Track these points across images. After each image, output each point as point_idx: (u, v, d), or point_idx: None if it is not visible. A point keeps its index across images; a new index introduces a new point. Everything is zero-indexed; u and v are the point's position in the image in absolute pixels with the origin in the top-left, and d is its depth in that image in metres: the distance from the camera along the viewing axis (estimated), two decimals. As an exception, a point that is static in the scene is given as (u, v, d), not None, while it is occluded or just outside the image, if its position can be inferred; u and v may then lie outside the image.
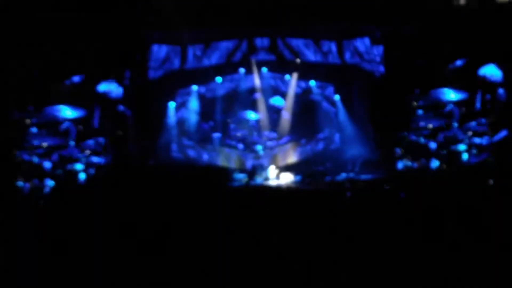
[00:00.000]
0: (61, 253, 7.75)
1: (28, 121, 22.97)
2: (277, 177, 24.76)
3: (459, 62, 24.60)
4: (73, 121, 23.52)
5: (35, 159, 22.56)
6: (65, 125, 23.58)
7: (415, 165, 24.09)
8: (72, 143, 23.54)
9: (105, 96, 22.35)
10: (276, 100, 26.48)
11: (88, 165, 23.56)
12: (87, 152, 23.37)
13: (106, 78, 21.33)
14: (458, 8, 24.02)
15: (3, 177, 22.21)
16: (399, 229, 7.98)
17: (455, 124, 24.80)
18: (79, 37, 23.17)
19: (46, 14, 21.47)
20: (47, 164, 22.89)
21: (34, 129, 22.87)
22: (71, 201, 19.20)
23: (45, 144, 22.92)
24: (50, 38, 23.15)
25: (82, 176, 22.68)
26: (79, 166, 23.13)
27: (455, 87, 24.69)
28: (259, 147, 26.20)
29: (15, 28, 21.93)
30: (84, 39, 23.34)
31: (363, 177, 23.58)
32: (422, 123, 24.90)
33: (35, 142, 22.74)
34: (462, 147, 24.35)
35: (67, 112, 23.36)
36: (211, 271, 6.53)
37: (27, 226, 10.53)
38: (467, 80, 24.81)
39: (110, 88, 23.23)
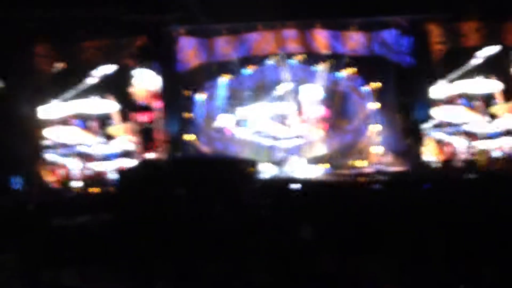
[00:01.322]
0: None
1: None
2: (306, 169, 24.81)
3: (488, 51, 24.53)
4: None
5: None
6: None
7: (441, 157, 24.03)
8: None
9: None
10: (304, 92, 26.47)
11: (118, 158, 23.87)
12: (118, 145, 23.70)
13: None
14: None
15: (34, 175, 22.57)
16: (425, 220, 7.95)
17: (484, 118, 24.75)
18: (108, 32, 23.40)
19: (78, 12, 21.74)
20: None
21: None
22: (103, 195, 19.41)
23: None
24: (80, 35, 23.47)
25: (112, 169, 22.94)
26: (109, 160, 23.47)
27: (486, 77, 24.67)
28: (287, 139, 26.24)
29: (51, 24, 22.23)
30: (112, 33, 23.57)
31: (391, 168, 23.55)
32: (449, 116, 24.92)
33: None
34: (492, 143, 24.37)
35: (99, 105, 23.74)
36: (240, 262, 6.55)
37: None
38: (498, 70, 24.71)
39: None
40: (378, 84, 25.67)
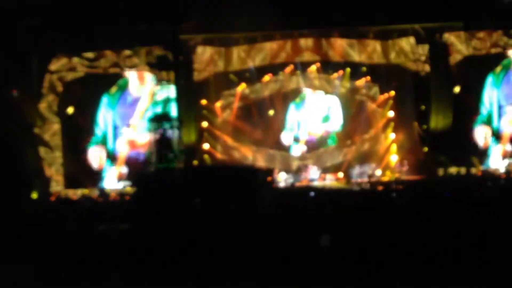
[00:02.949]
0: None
1: None
2: (322, 178, 24.81)
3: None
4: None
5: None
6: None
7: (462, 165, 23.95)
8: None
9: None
10: (321, 101, 26.52)
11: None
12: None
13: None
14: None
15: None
16: (444, 228, 7.94)
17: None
18: (125, 42, 23.59)
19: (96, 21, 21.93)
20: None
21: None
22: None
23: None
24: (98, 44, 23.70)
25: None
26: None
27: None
28: (303, 148, 26.27)
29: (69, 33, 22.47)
30: (129, 43, 23.75)
31: (409, 177, 23.50)
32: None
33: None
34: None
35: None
36: (256, 269, 6.58)
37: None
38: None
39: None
40: (394, 93, 25.64)
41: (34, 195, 22.17)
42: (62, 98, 23.99)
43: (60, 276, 6.79)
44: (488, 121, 25.08)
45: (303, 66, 25.90)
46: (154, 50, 20.38)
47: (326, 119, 26.35)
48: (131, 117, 24.42)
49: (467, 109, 24.88)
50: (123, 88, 24.38)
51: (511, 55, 24.85)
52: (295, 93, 26.34)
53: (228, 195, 13.39)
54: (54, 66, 23.89)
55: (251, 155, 25.93)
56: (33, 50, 22.65)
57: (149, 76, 24.24)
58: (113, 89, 24.32)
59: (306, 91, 26.30)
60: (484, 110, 25.11)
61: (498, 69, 24.99)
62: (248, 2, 20.59)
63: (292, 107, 26.35)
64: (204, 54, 24.83)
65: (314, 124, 26.40)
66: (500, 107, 25.07)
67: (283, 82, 26.44)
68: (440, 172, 23.45)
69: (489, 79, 25.06)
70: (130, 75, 24.19)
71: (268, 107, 26.22)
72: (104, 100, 24.35)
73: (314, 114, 26.45)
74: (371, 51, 25.34)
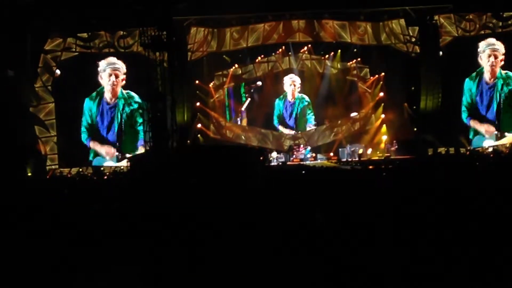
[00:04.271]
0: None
1: None
2: (314, 157, 25.09)
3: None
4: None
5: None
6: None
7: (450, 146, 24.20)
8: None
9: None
10: (312, 81, 26.78)
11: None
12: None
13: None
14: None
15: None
16: (432, 208, 8.14)
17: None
18: (119, 23, 23.73)
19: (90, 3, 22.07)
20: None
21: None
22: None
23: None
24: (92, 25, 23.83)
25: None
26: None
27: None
28: (295, 128, 26.54)
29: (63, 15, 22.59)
30: (123, 24, 23.88)
31: (399, 156, 23.74)
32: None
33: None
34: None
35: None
36: (248, 248, 6.77)
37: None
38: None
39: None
40: (384, 74, 25.88)
41: (29, 173, 22.37)
42: (56, 78, 24.09)
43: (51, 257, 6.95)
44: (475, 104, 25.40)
45: (295, 47, 26.15)
46: (148, 31, 20.46)
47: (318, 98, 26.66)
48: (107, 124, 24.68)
49: (456, 90, 25.13)
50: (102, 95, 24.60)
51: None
52: (287, 74, 26.62)
53: (221, 174, 13.67)
54: (49, 46, 24.03)
55: (243, 135, 26.20)
56: (28, 30, 22.73)
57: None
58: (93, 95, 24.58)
59: (298, 71, 26.61)
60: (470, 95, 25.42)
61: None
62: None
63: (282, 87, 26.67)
64: (197, 35, 25.02)
65: (306, 103, 26.74)
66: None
67: (275, 63, 26.74)
68: (430, 152, 23.70)
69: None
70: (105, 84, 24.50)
71: (260, 87, 26.53)
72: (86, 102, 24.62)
73: (306, 94, 26.75)
74: (362, 32, 25.53)
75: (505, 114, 24.93)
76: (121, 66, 24.38)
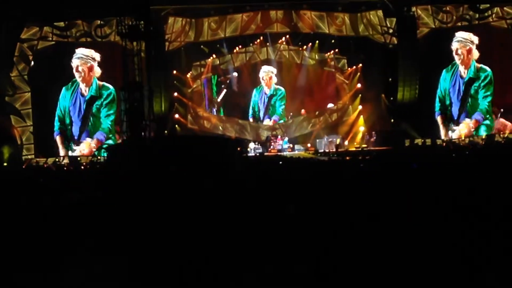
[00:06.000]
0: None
1: None
2: (291, 148, 25.14)
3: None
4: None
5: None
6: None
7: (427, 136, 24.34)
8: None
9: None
10: (290, 72, 26.79)
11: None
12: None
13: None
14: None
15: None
16: (411, 199, 8.16)
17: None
18: (97, 12, 23.56)
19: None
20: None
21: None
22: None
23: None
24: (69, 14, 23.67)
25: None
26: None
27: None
28: (273, 118, 26.55)
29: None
30: (101, 13, 23.73)
31: (377, 148, 23.83)
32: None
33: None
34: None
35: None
36: (225, 239, 6.77)
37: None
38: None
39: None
40: (362, 65, 25.94)
41: (5, 163, 22.22)
42: (32, 67, 23.92)
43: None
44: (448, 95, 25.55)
45: (273, 38, 26.13)
46: (125, 20, 20.35)
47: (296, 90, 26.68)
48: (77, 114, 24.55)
49: (432, 82, 25.25)
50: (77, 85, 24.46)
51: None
52: (265, 64, 26.61)
53: (199, 164, 13.68)
54: (25, 35, 23.83)
55: (221, 125, 26.19)
56: (4, 19, 22.53)
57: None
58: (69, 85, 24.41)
59: (275, 62, 26.61)
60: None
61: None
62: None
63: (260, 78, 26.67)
64: (175, 25, 24.95)
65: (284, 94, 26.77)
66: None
67: (253, 53, 26.72)
68: (407, 143, 23.84)
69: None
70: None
71: (238, 78, 26.54)
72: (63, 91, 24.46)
73: (283, 85, 26.77)
74: (340, 23, 25.59)
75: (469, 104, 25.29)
76: (94, 57, 24.18)
